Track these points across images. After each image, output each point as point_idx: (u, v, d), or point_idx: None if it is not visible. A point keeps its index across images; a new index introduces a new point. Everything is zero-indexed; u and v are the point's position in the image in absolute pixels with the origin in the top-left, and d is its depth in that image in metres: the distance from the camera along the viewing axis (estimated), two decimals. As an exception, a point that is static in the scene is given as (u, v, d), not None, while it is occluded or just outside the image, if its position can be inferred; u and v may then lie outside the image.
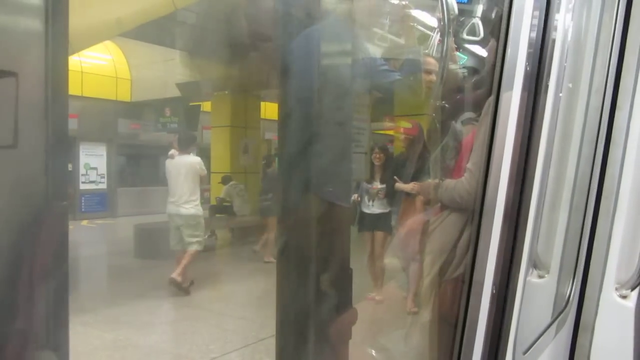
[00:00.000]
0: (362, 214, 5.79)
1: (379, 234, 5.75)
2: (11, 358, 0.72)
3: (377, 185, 5.72)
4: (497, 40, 1.23)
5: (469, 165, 1.80)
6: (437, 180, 2.12)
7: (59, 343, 0.81)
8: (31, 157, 0.75)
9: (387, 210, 5.71)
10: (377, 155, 5.72)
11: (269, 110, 11.71)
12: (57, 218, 0.79)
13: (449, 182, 1.98)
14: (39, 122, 0.75)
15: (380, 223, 5.75)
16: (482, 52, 2.25)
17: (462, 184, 1.86)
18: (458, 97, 2.33)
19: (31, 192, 0.75)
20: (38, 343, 0.78)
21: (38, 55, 0.74)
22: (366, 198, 5.74)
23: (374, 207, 5.75)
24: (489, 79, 1.36)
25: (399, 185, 4.94)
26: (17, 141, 0.72)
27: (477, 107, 2.13)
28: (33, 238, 0.75)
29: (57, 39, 0.77)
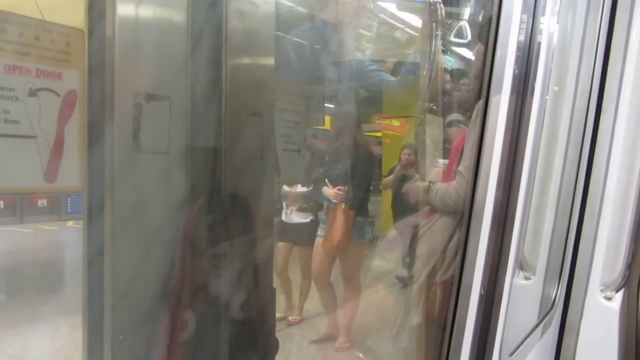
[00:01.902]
0: (281, 223, 4.77)
1: (301, 249, 4.73)
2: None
3: (298, 188, 4.66)
4: (486, 44, 1.23)
5: (460, 168, 1.80)
6: (426, 183, 2.11)
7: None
8: (178, 160, 1.01)
9: (307, 220, 4.68)
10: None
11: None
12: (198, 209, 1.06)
13: (440, 185, 1.98)
14: (184, 134, 1.01)
15: (299, 235, 4.68)
16: (470, 54, 2.26)
17: (453, 187, 1.86)
18: (445, 99, 2.33)
19: (178, 186, 1.02)
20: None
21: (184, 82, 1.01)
22: (284, 204, 4.75)
23: (292, 216, 4.72)
24: (477, 81, 1.36)
25: (324, 189, 4.10)
26: (170, 148, 0.98)
27: (464, 109, 2.13)
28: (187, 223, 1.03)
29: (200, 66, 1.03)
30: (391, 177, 4.27)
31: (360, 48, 2.68)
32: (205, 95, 1.06)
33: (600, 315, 2.15)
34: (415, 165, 4.27)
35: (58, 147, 0.87)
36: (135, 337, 0.96)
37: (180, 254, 1.03)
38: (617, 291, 2.14)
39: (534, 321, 2.04)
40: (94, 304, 0.93)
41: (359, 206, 3.94)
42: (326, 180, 4.03)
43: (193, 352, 1.09)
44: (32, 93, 0.84)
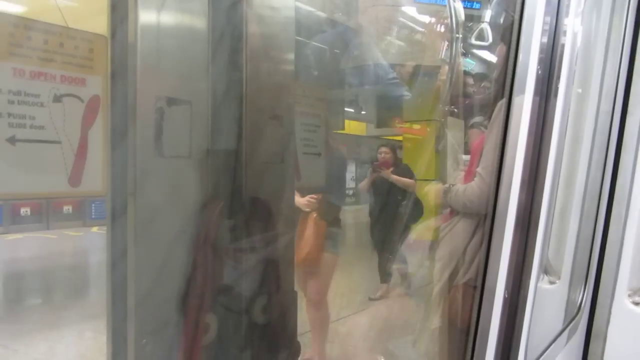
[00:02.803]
0: None
1: None
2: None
3: None
4: (508, 45, 1.22)
5: (479, 170, 1.79)
6: (446, 185, 2.10)
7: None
8: (199, 164, 1.02)
9: None
10: None
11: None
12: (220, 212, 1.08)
13: (459, 187, 1.97)
14: (205, 138, 1.03)
15: None
16: (491, 57, 2.25)
17: (472, 189, 1.85)
18: (466, 102, 2.32)
19: (199, 189, 1.03)
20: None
21: (205, 86, 1.02)
22: None
23: None
24: (498, 84, 1.34)
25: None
26: (191, 152, 1.00)
27: (485, 112, 2.12)
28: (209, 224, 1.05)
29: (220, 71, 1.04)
30: (366, 180, 4.31)
31: (380, 52, 2.67)
32: (225, 99, 1.07)
33: (628, 320, 2.11)
34: (391, 164, 4.11)
35: (82, 152, 0.89)
36: (158, 341, 0.97)
37: (202, 258, 1.03)
38: (645, 296, 2.09)
39: (559, 326, 2.01)
40: (118, 307, 0.94)
41: (332, 215, 3.62)
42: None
43: (215, 355, 1.09)
44: (57, 99, 0.86)
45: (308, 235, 3.45)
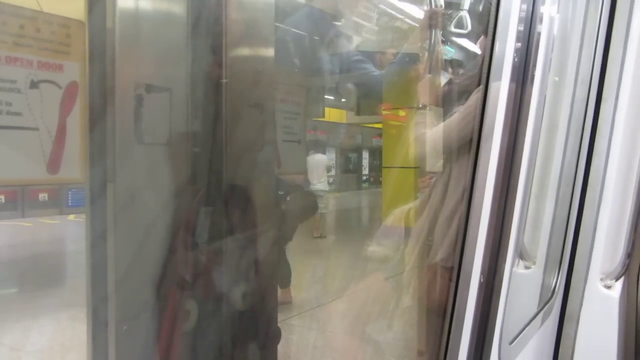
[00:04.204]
0: None
1: None
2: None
3: None
4: (485, 33, 1.24)
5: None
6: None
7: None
8: (178, 151, 1.00)
9: None
10: None
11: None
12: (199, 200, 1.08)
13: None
14: (184, 125, 1.01)
15: None
16: (470, 45, 2.26)
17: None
18: (447, 89, 2.34)
19: (178, 177, 1.02)
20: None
21: (184, 72, 1.00)
22: None
23: None
24: (478, 71, 1.36)
25: None
26: (170, 139, 0.98)
27: (465, 99, 2.14)
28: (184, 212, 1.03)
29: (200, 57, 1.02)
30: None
31: (357, 39, 2.67)
32: (204, 86, 1.06)
33: (600, 303, 2.16)
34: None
35: (60, 138, 0.89)
36: (138, 327, 0.97)
37: (182, 244, 1.03)
38: (617, 280, 2.14)
39: (534, 310, 2.05)
40: (97, 294, 0.94)
41: None
42: None
43: (195, 341, 1.09)
44: (34, 85, 0.85)
45: None
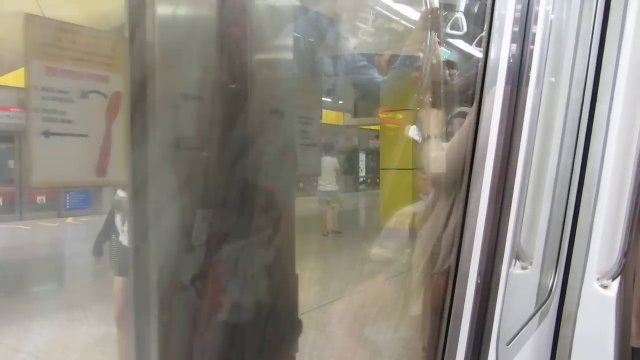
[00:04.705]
0: (118, 247, 3.08)
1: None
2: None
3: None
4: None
5: (445, 145, 1.82)
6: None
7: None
8: (214, 155, 1.10)
9: None
10: None
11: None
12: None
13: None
14: (214, 131, 1.09)
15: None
16: (466, 46, 2.26)
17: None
18: (448, 91, 2.33)
19: (211, 179, 1.12)
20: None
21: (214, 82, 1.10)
22: (118, 217, 3.04)
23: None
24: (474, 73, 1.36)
25: None
26: (203, 145, 1.07)
27: (464, 101, 2.13)
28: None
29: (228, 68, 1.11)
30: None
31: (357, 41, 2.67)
32: (232, 94, 1.14)
33: (597, 303, 2.15)
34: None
35: (107, 144, 0.98)
36: (177, 320, 1.07)
37: (214, 243, 1.11)
38: (613, 280, 2.14)
39: (531, 310, 2.04)
40: (140, 289, 1.02)
41: None
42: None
43: (228, 333, 1.16)
44: (84, 95, 0.95)
45: None
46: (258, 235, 1.25)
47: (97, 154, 0.96)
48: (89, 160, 0.96)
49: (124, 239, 2.95)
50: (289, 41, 1.27)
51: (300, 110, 1.56)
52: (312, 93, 1.70)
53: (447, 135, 2.35)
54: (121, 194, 3.00)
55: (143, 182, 0.99)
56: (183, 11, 1.04)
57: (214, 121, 1.10)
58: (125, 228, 2.93)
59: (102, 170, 0.97)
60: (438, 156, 1.88)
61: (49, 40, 0.90)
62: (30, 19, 0.88)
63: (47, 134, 0.89)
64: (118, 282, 3.12)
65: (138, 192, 0.98)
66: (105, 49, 0.97)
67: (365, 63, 2.48)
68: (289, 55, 1.27)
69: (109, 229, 3.17)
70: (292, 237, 1.34)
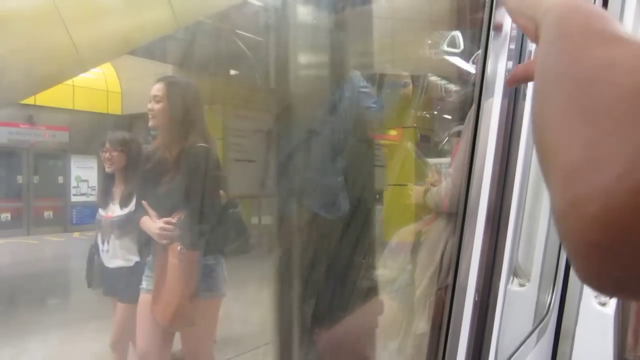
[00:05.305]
0: (99, 267, 2.89)
1: (120, 307, 2.81)
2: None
3: (113, 212, 2.84)
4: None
5: (450, 170, 1.79)
6: (426, 185, 2.09)
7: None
8: (267, 167, 1.59)
9: (130, 264, 2.75)
10: (107, 155, 2.82)
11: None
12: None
13: (436, 188, 1.95)
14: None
15: (120, 286, 2.81)
16: (463, 63, 2.24)
17: (444, 189, 1.84)
18: (443, 108, 2.31)
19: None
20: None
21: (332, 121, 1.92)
22: (99, 237, 2.87)
23: (109, 255, 2.82)
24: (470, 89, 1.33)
25: (144, 221, 2.38)
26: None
27: (460, 118, 2.11)
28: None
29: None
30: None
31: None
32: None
33: (595, 320, 2.11)
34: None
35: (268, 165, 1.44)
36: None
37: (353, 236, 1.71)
38: (611, 297, 2.09)
39: (529, 328, 2.00)
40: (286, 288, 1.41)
41: (205, 240, 2.44)
42: (144, 204, 2.37)
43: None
44: (254, 133, 1.30)
45: (173, 275, 2.24)
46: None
47: (261, 174, 1.21)
48: (256, 179, 1.24)
49: (105, 258, 2.82)
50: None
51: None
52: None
53: (445, 152, 2.32)
54: (102, 212, 2.86)
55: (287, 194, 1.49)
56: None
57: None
58: (105, 247, 2.80)
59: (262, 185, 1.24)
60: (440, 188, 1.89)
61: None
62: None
63: (233, 159, 1.21)
64: (112, 302, 2.92)
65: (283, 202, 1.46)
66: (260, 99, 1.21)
67: (370, 93, 2.45)
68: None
69: (94, 251, 2.97)
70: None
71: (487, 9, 1.19)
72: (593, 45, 0.37)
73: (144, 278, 2.47)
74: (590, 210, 0.30)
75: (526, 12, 0.58)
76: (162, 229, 2.24)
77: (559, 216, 0.33)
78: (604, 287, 0.33)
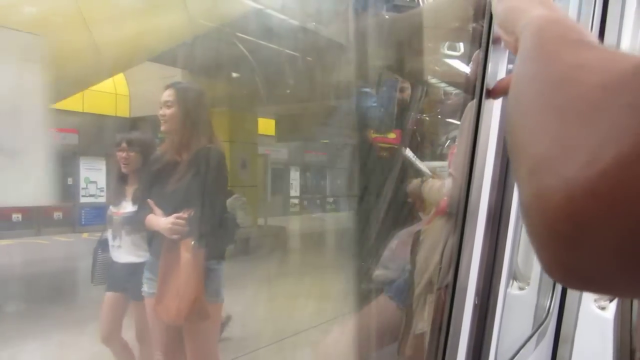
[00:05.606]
0: (109, 262, 2.99)
1: (137, 305, 2.79)
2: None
3: (125, 208, 2.90)
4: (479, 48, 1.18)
5: (450, 170, 1.75)
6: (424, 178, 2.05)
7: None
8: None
9: (140, 260, 2.75)
10: (124, 154, 2.89)
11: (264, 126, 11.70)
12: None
13: (435, 182, 1.92)
14: None
15: (131, 283, 2.78)
16: (463, 66, 2.21)
17: (446, 189, 1.82)
18: (443, 111, 2.29)
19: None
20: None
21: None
22: (110, 233, 2.95)
23: (121, 251, 2.89)
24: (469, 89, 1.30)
25: (150, 218, 2.42)
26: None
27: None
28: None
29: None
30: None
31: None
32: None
33: (595, 325, 2.07)
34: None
35: None
36: None
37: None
38: (611, 301, 2.06)
39: (529, 331, 1.97)
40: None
41: (213, 241, 2.44)
42: (149, 202, 2.41)
43: None
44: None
45: (180, 275, 2.26)
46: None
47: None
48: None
49: (114, 253, 2.89)
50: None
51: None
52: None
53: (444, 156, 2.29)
54: (113, 209, 2.93)
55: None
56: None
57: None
58: (116, 243, 2.86)
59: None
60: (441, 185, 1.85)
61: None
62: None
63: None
64: (109, 297, 3.00)
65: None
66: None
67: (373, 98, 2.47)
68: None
69: (103, 247, 3.05)
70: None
71: (487, 9, 1.17)
72: (566, 51, 0.40)
73: (144, 281, 2.54)
74: (555, 200, 0.30)
75: (507, 26, 0.63)
76: (174, 223, 2.29)
77: (525, 208, 0.34)
78: (569, 278, 0.34)
